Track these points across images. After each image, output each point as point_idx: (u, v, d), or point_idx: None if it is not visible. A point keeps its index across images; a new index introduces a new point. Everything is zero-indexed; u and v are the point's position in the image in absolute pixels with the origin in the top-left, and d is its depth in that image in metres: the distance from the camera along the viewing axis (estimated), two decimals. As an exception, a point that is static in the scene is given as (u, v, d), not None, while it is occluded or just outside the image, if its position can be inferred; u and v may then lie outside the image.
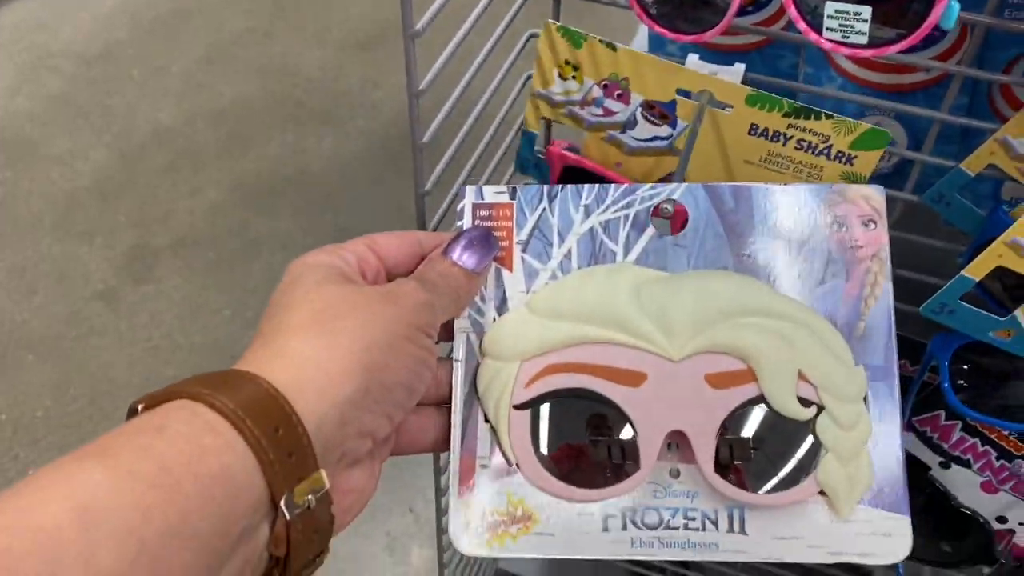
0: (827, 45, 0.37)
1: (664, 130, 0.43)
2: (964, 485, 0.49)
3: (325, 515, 0.31)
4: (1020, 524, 0.49)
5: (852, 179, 0.40)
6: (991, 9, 0.38)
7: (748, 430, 0.36)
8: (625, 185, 0.38)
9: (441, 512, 0.58)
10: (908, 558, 0.52)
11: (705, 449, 0.35)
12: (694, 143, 0.42)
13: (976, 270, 0.39)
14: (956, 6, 0.34)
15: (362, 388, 0.32)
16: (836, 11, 0.36)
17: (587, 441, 0.37)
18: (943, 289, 0.40)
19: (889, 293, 0.37)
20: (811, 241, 0.37)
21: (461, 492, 0.37)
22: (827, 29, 0.37)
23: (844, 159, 0.40)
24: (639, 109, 0.43)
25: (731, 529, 0.35)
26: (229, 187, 1.62)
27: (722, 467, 0.36)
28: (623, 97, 0.43)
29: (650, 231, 0.38)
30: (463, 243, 0.37)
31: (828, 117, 0.39)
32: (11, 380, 1.31)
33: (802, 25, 0.37)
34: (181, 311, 1.42)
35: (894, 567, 0.51)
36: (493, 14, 0.46)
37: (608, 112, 0.44)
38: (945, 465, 0.49)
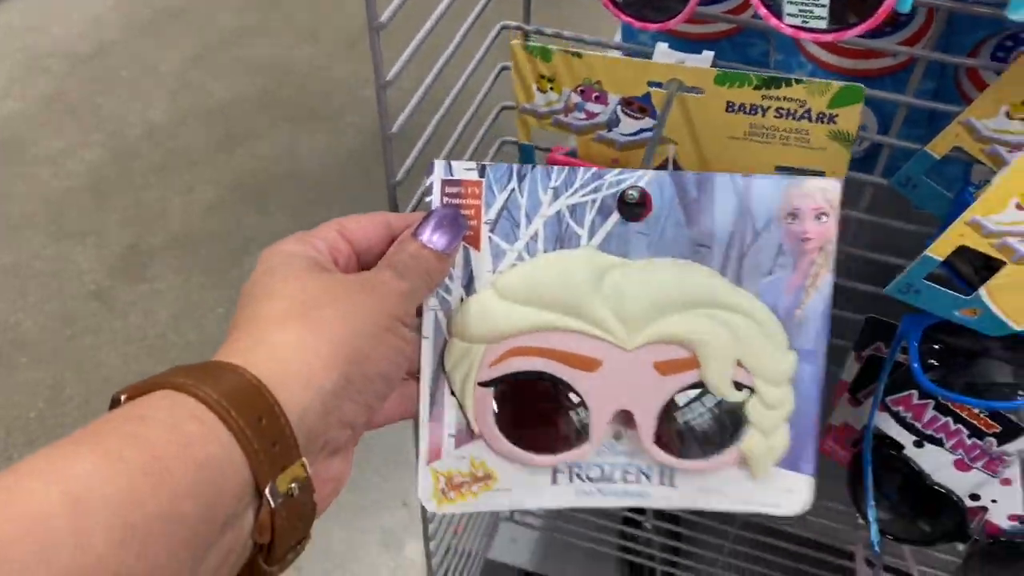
0: (787, 31, 0.38)
1: (647, 122, 0.44)
2: (938, 464, 0.50)
3: (308, 502, 0.31)
4: (993, 501, 0.50)
5: (841, 137, 0.41)
6: (954, -8, 0.38)
7: (686, 411, 0.40)
8: (594, 169, 0.39)
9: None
10: (884, 536, 0.53)
11: (647, 426, 0.40)
12: (662, 130, 0.43)
13: (939, 250, 0.39)
14: (911, -10, 0.34)
15: (344, 379, 0.32)
16: (795, -4, 0.36)
17: (544, 415, 0.40)
18: (908, 269, 0.40)
19: (829, 284, 0.39)
20: (765, 234, 0.39)
21: (430, 460, 0.40)
22: (787, 15, 0.37)
23: (827, 119, 0.41)
24: (618, 107, 0.44)
25: (662, 483, 0.41)
26: (221, 185, 1.63)
27: (659, 439, 0.40)
28: (601, 99, 0.44)
29: (615, 217, 0.38)
30: (432, 224, 0.37)
31: (798, 82, 0.40)
32: (4, 381, 1.32)
33: (763, 11, 0.38)
34: (175, 310, 1.42)
35: (871, 547, 0.52)
36: (465, 6, 0.47)
37: (590, 115, 0.45)
38: (919, 444, 0.50)
